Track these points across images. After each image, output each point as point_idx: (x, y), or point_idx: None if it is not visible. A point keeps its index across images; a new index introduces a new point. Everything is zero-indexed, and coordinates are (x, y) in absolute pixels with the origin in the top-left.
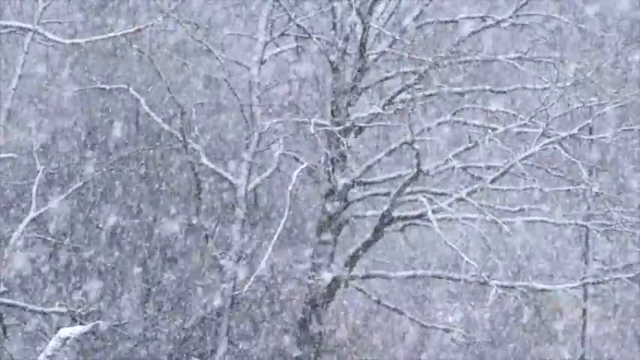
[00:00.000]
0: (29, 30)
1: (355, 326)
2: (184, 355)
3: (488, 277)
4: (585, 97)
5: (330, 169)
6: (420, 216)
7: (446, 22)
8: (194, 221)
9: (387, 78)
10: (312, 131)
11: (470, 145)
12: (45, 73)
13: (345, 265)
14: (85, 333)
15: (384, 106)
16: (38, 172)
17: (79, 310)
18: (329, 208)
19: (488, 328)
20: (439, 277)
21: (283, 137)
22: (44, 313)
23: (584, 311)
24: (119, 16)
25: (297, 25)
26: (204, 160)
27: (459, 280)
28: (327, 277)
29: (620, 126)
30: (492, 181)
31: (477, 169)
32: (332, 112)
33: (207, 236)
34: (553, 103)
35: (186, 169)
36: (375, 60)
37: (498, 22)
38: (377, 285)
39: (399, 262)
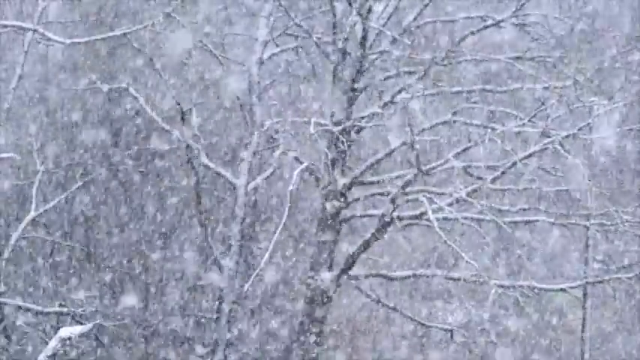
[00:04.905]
0: (29, 30)
1: (355, 326)
2: (184, 356)
3: (488, 277)
4: (585, 97)
5: (330, 169)
6: (420, 216)
7: (446, 22)
8: (194, 220)
9: (387, 78)
10: (312, 131)
11: (470, 144)
12: (45, 73)
13: (345, 265)
14: (85, 333)
15: (384, 106)
16: (38, 172)
17: (79, 310)
18: (329, 208)
19: (488, 328)
20: (439, 277)
21: (283, 137)
22: (44, 313)
23: (585, 311)
24: (119, 16)
25: (297, 25)
26: (204, 160)
27: (459, 280)
28: (327, 277)
29: (620, 126)
30: (492, 181)
31: (476, 169)
32: (332, 112)
33: (206, 236)
34: (553, 103)
35: (187, 169)
36: (375, 60)
37: (498, 22)
38: (377, 285)
39: (399, 262)
